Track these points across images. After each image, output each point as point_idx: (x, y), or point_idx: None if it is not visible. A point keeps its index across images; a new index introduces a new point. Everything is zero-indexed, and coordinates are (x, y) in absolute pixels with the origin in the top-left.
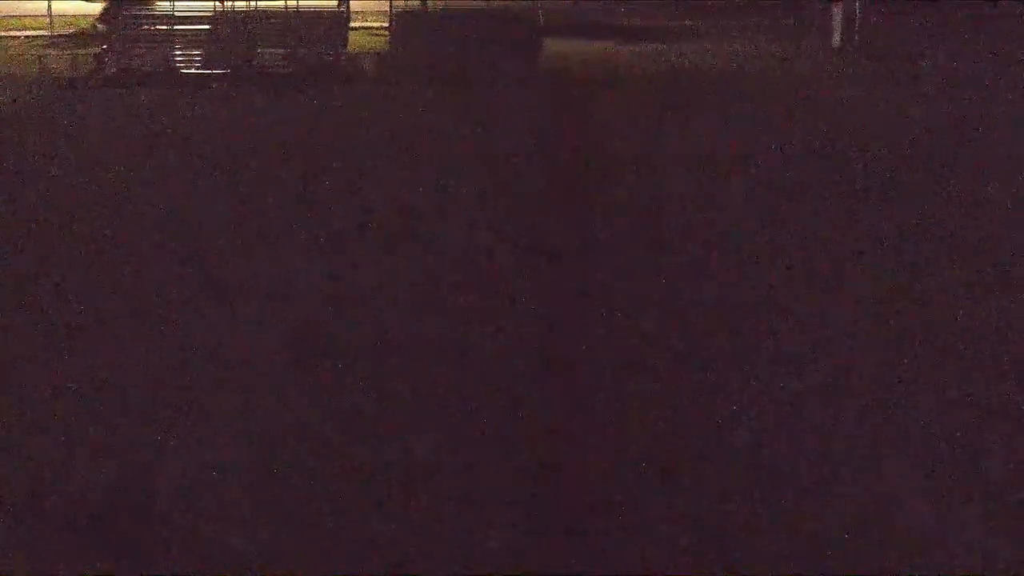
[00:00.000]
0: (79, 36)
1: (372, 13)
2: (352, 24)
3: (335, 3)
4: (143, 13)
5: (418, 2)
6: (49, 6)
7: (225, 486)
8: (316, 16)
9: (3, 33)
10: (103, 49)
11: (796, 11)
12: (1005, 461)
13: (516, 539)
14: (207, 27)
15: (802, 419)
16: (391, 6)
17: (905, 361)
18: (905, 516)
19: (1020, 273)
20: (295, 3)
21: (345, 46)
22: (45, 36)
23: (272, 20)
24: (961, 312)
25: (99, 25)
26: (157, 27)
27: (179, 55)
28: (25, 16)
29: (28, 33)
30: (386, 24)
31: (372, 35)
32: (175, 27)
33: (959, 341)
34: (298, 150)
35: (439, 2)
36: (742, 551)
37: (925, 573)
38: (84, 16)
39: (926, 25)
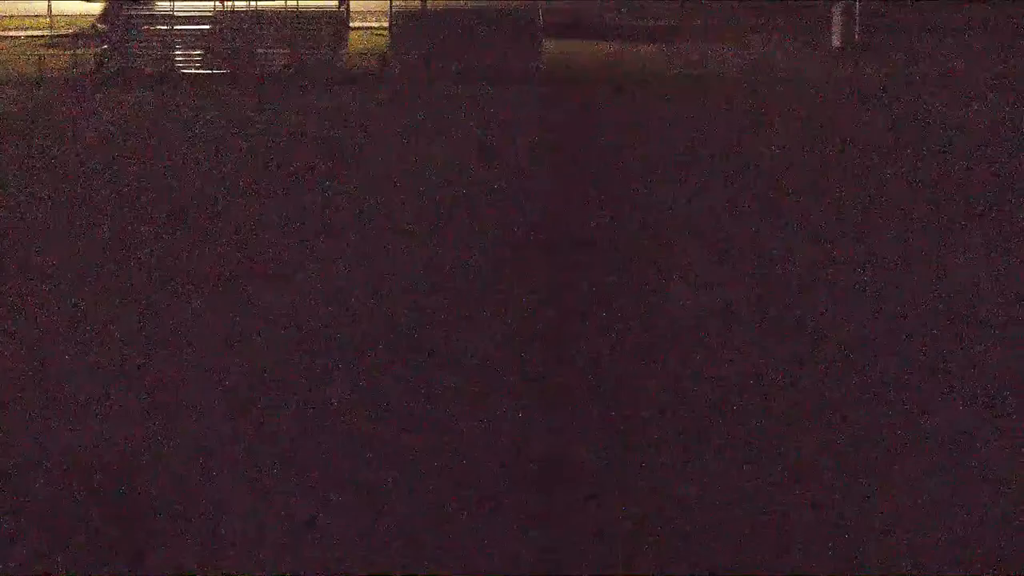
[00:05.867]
0: (79, 36)
1: (372, 13)
2: (352, 24)
3: (335, 3)
4: (143, 13)
5: (418, 2)
6: (49, 6)
7: None
8: (316, 16)
9: (3, 33)
10: (103, 49)
11: (796, 11)
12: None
13: (517, 539)
14: (207, 27)
15: (811, 421)
16: (391, 6)
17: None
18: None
19: (1020, 266)
20: (295, 3)
21: (345, 46)
22: (45, 36)
23: (272, 20)
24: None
25: (99, 25)
26: (157, 27)
27: (179, 55)
28: (25, 16)
29: (28, 33)
30: (386, 24)
31: (372, 35)
32: (175, 27)
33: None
34: (298, 149)
35: (439, 2)
36: (739, 550)
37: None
38: (84, 16)
39: (926, 25)
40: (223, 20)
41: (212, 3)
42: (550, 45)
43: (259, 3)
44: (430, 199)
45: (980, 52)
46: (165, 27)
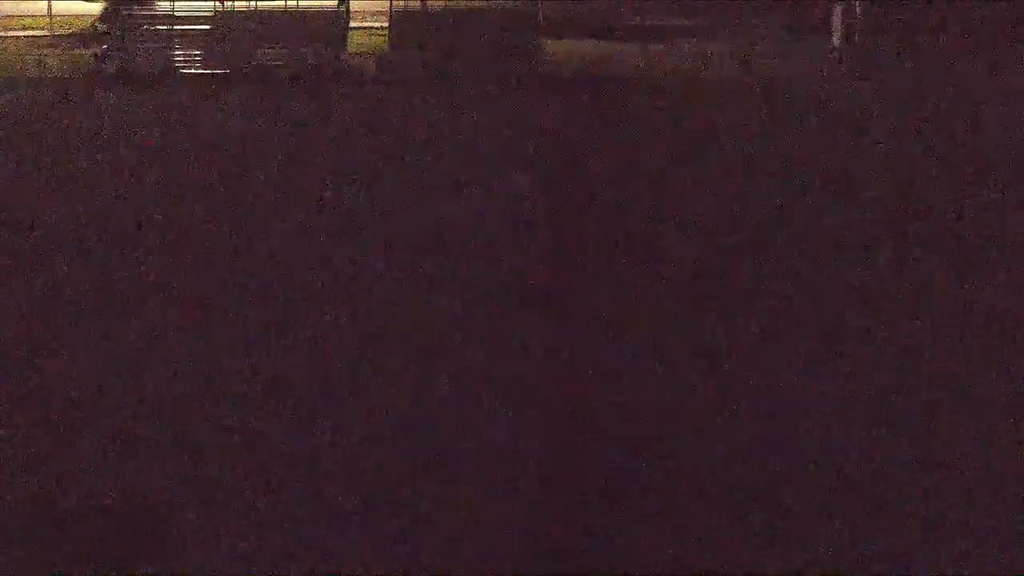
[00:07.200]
0: (79, 36)
1: (372, 13)
2: (352, 24)
3: (335, 3)
4: (143, 13)
5: (418, 2)
6: (49, 6)
7: None
8: (316, 16)
9: (3, 33)
10: (103, 49)
11: (796, 11)
12: None
13: (518, 541)
14: (207, 27)
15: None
16: (391, 6)
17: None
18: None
19: (1019, 267)
20: (295, 3)
21: (345, 46)
22: (45, 36)
23: (272, 20)
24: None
25: (99, 25)
26: (157, 27)
27: (179, 55)
28: (25, 16)
29: (28, 33)
30: (386, 24)
31: (372, 35)
32: (175, 27)
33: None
34: (298, 150)
35: (439, 2)
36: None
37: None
38: (84, 16)
39: (926, 25)
40: (223, 20)
41: (212, 3)
42: (550, 45)
43: (259, 3)
44: (429, 199)
45: (980, 52)
46: (165, 27)
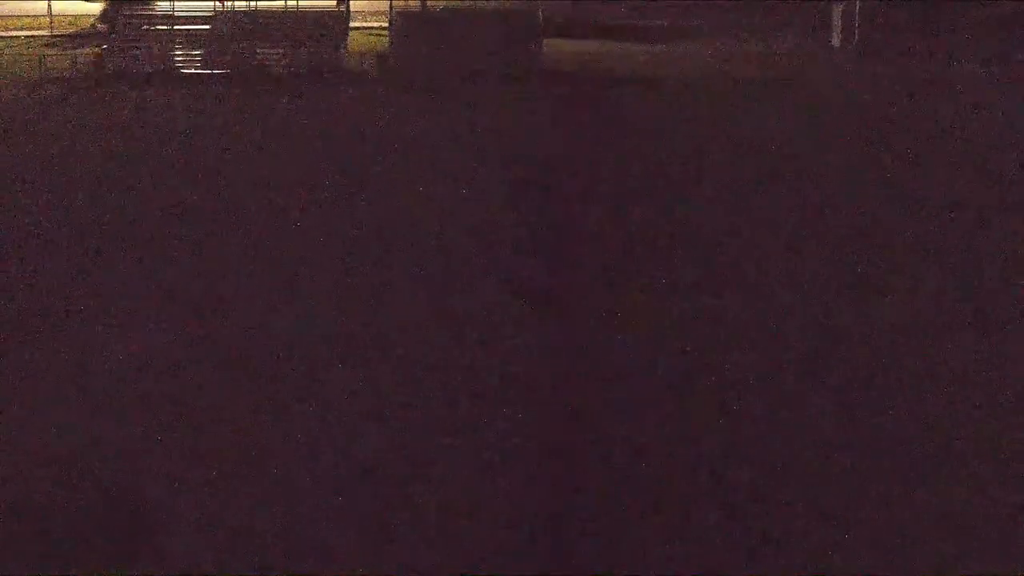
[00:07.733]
0: (79, 36)
1: (372, 13)
2: (352, 24)
3: (335, 3)
4: (143, 13)
5: (418, 2)
6: (49, 6)
7: None
8: (316, 16)
9: (3, 33)
10: (103, 49)
11: (796, 11)
12: None
13: (520, 540)
14: (207, 27)
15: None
16: (391, 6)
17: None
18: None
19: (1016, 265)
20: (295, 3)
21: (345, 46)
22: (45, 36)
23: (272, 20)
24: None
25: (99, 25)
26: (157, 27)
27: (179, 55)
28: (25, 16)
29: (28, 33)
30: (386, 24)
31: (372, 35)
32: (175, 27)
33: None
34: (297, 149)
35: (439, 2)
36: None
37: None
38: (84, 16)
39: (926, 25)
40: (223, 20)
41: (212, 3)
42: (550, 45)
43: (259, 3)
44: (430, 199)
45: (980, 52)
46: (165, 27)
